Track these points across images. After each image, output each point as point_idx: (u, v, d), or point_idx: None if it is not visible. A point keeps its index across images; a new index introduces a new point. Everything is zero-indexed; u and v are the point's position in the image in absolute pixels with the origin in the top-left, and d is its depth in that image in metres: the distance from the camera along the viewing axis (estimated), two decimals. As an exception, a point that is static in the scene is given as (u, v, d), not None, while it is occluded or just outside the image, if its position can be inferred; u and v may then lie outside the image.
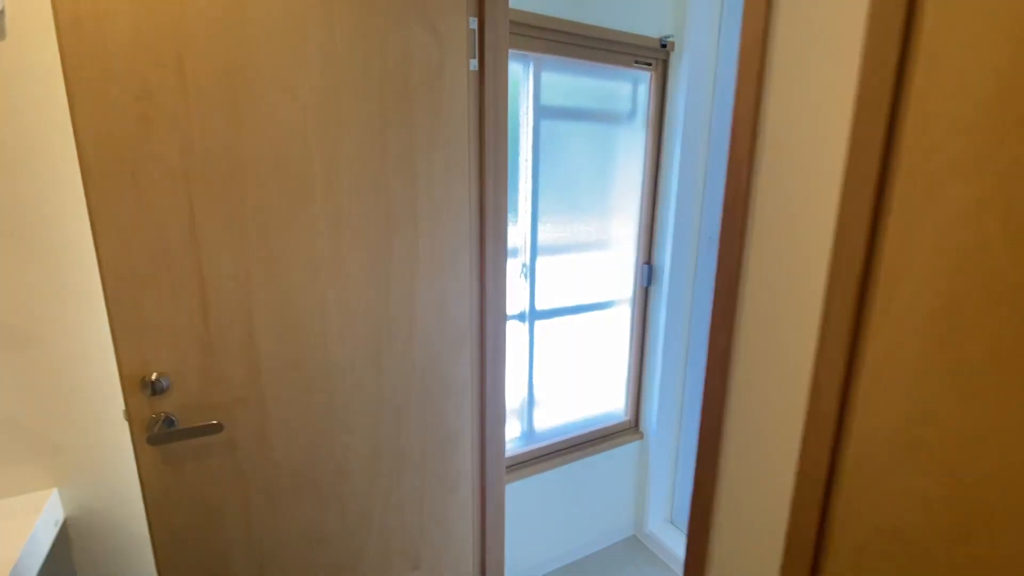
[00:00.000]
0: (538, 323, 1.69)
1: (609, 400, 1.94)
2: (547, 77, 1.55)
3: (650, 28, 1.60)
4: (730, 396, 0.58)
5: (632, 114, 1.70)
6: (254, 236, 0.91)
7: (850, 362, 0.46)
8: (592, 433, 1.88)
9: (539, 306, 1.68)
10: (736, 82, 0.53)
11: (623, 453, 1.96)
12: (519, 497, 1.74)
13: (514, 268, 1.63)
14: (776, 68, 0.49)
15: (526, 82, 1.51)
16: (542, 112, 1.56)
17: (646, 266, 1.84)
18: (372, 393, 1.10)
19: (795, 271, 0.50)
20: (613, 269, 1.80)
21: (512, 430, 1.76)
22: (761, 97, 0.50)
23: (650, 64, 1.67)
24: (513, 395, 1.73)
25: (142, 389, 0.88)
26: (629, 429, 1.99)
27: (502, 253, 1.22)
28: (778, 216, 0.51)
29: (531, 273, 1.64)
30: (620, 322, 1.89)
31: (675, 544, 1.98)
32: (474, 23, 1.07)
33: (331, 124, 0.94)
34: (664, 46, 1.64)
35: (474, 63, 1.08)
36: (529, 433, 1.78)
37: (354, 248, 1.01)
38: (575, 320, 1.76)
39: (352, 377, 1.07)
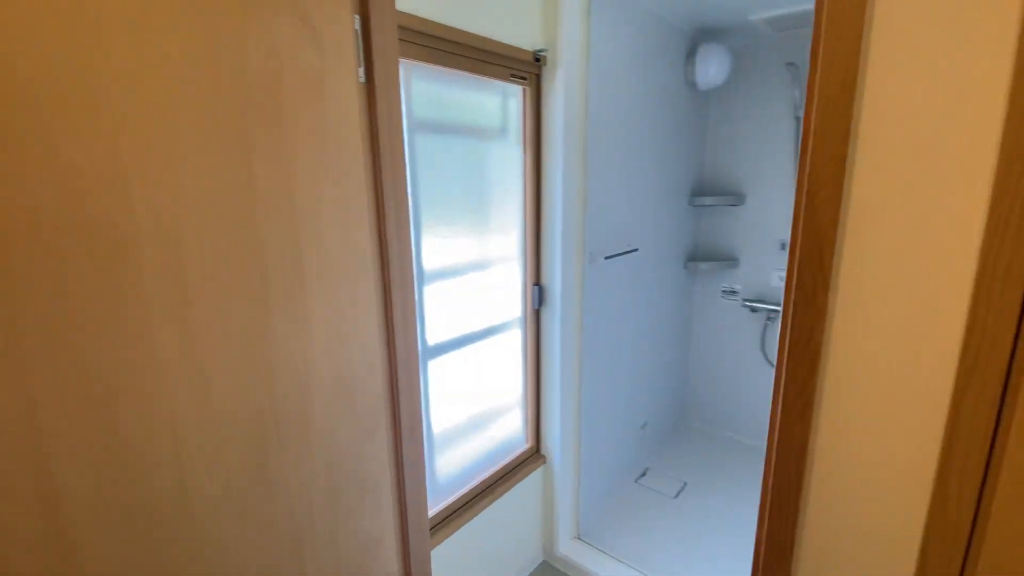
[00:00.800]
0: (431, 362, 1.49)
1: (510, 429, 1.83)
2: (420, 87, 1.35)
3: (523, 41, 1.52)
4: (806, 504, 0.50)
5: (505, 130, 1.60)
6: (33, 343, 0.55)
7: (987, 467, 0.41)
8: (497, 473, 1.75)
9: (430, 340, 1.47)
10: (817, 75, 0.44)
11: (528, 483, 1.87)
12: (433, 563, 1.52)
13: (403, 308, 1.39)
14: (879, 53, 0.41)
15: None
16: (416, 126, 1.36)
17: (536, 287, 1.77)
18: (260, 524, 0.79)
19: (907, 346, 0.44)
20: (503, 293, 1.68)
21: (416, 492, 1.52)
22: (856, 91, 0.41)
23: (524, 78, 1.58)
24: (414, 453, 1.49)
25: None
26: (532, 456, 1.90)
27: (411, 305, 1.00)
28: (878, 268, 0.44)
29: (419, 306, 1.43)
30: (513, 347, 1.79)
31: (585, 560, 1.97)
32: (358, 23, 0.83)
33: (163, 156, 0.62)
34: (538, 60, 1.57)
35: (362, 72, 0.84)
36: (432, 487, 1.57)
37: (214, 333, 0.70)
38: (469, 351, 1.60)
39: (228, 510, 0.75)
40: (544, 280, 1.77)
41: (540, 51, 1.56)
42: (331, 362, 0.85)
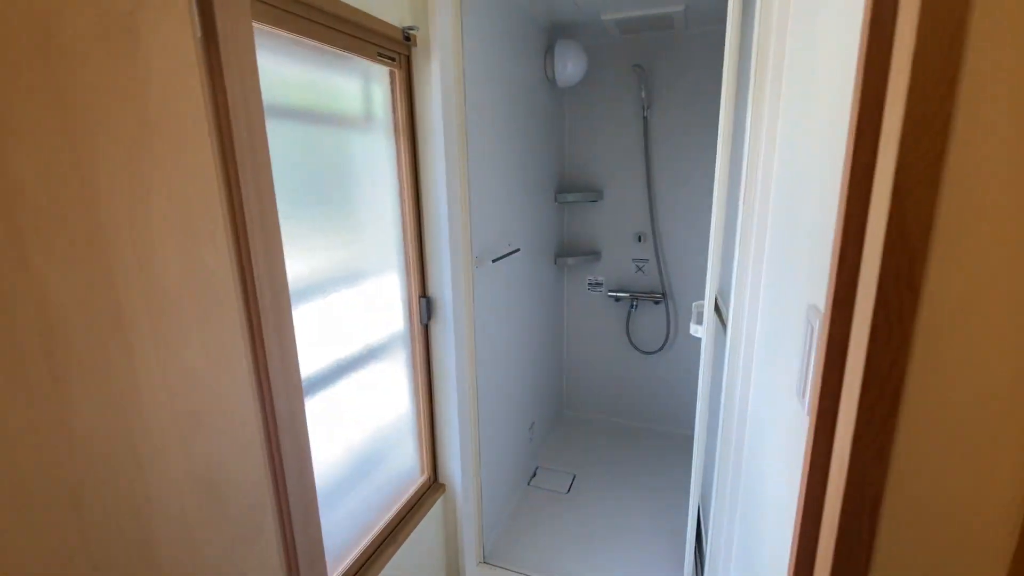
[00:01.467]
0: (308, 400, 1.19)
1: (402, 463, 1.59)
2: (267, 62, 1.05)
3: (390, 14, 1.29)
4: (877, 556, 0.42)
5: (370, 117, 1.36)
6: None
7: None
8: (394, 520, 1.51)
9: (304, 374, 1.18)
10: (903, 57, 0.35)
11: (430, 519, 1.66)
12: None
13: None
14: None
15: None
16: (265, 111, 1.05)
17: (423, 299, 1.56)
18: None
19: (1003, 380, 0.38)
20: (381, 309, 1.44)
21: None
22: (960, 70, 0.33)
23: (393, 59, 1.36)
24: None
25: None
26: (430, 488, 1.70)
27: (291, 345, 0.74)
28: (978, 285, 0.37)
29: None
30: (398, 371, 1.56)
31: (495, 584, 1.84)
32: (184, -60, 0.55)
33: None
34: (407, 39, 1.35)
35: (197, 24, 0.56)
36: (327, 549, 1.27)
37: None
38: (344, 384, 1.33)
39: None
40: (432, 291, 1.57)
41: (410, 28, 1.35)
42: (183, 454, 0.56)
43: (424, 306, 1.57)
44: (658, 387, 2.89)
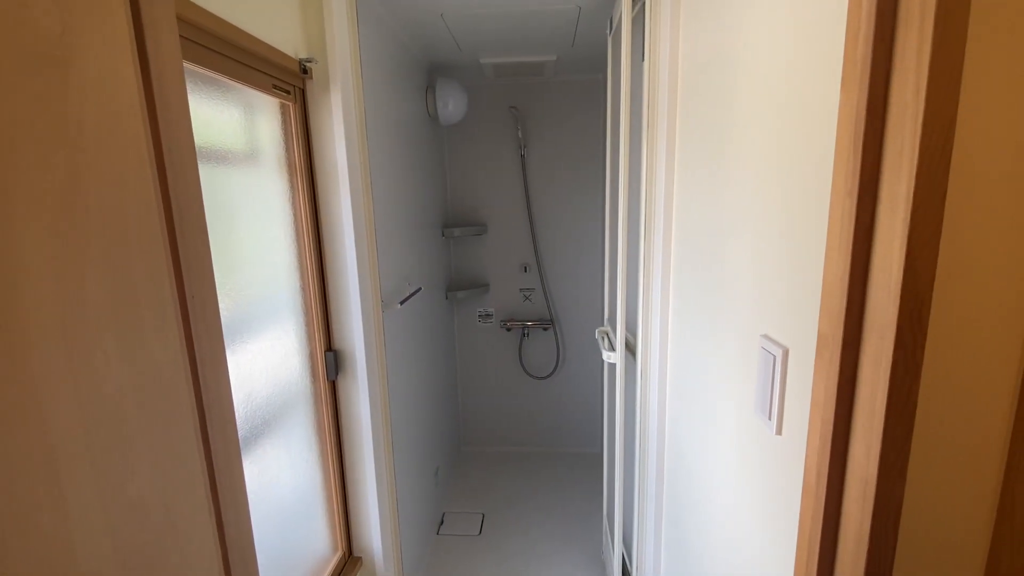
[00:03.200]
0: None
1: (312, 543, 1.39)
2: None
3: (286, 44, 1.17)
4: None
5: (261, 154, 1.21)
6: None
7: None
8: (314, 608, 1.30)
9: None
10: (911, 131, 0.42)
11: (349, 600, 1.47)
12: None
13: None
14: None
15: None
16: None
17: (330, 353, 1.40)
18: None
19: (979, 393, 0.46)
20: (275, 368, 1.25)
21: None
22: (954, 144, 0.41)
23: (288, 92, 1.23)
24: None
25: None
26: (346, 566, 1.50)
27: (234, 446, 0.60)
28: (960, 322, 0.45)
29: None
30: (300, 437, 1.37)
31: (423, 656, 1.68)
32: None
33: None
34: (305, 71, 1.24)
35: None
36: None
37: None
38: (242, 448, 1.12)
39: None
40: (339, 343, 1.42)
41: (307, 60, 1.24)
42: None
43: (331, 361, 1.41)
44: (554, 410, 2.99)
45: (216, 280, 0.62)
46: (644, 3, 1.29)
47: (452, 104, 2.36)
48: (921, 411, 0.47)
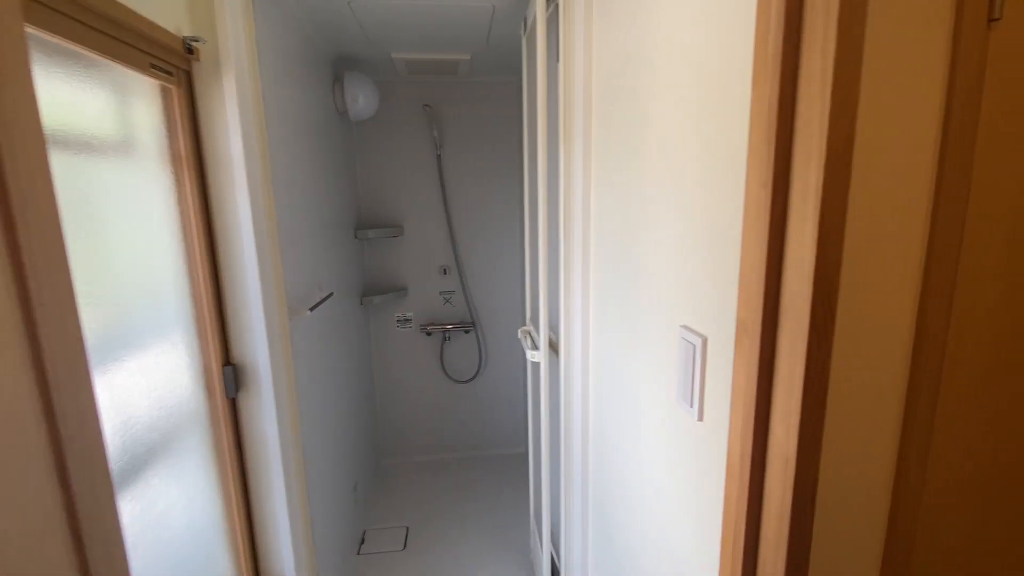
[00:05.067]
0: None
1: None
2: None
3: (167, 19, 1.03)
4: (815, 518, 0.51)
5: (136, 143, 1.06)
6: None
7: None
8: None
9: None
10: (818, 135, 0.44)
11: (259, 640, 1.32)
12: None
13: None
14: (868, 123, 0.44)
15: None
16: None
17: (228, 368, 1.26)
18: None
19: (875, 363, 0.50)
20: (163, 388, 1.10)
21: None
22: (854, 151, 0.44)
23: (171, 74, 1.08)
24: None
25: None
26: (255, 601, 1.36)
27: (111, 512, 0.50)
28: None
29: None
30: (196, 464, 1.21)
31: None
32: None
33: None
34: (190, 51, 1.10)
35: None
36: None
37: None
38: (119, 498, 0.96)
39: None
40: (239, 356, 1.28)
41: (193, 39, 1.10)
42: None
43: (229, 376, 1.26)
44: (478, 413, 2.95)
45: (78, 288, 0.51)
46: (558, 3, 1.31)
47: (362, 99, 2.25)
48: (831, 389, 0.50)
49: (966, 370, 0.53)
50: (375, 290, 2.71)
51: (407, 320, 2.80)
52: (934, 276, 0.51)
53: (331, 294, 1.83)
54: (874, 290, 0.49)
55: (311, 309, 1.56)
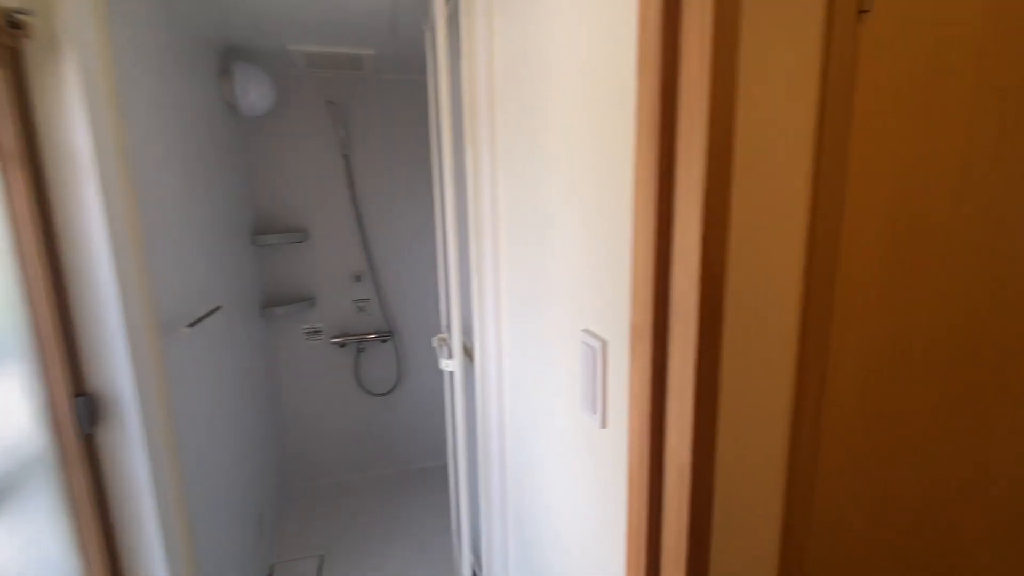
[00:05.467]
0: None
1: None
2: None
3: (-24, -20, 0.85)
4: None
5: None
6: None
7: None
8: None
9: None
10: (700, 139, 0.42)
11: None
12: None
13: None
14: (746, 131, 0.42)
15: None
16: None
17: (81, 399, 1.07)
18: None
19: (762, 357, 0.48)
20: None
21: None
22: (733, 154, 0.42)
23: (-14, 48, 0.90)
24: None
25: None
26: (126, 669, 1.16)
27: None
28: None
29: None
30: (40, 519, 1.02)
31: None
32: None
33: None
34: (17, 25, 0.92)
35: None
36: None
37: None
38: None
39: None
40: (96, 384, 1.09)
41: (19, 11, 0.92)
42: None
43: (83, 408, 1.08)
44: (399, 426, 2.82)
45: None
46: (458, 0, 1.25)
47: (254, 93, 2.06)
48: (723, 394, 0.48)
49: (848, 371, 0.54)
50: (279, 300, 2.50)
51: (317, 332, 2.62)
52: (816, 272, 0.51)
53: (219, 307, 1.64)
54: (760, 290, 0.48)
55: (190, 325, 1.38)
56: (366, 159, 2.54)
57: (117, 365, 1.09)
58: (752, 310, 0.48)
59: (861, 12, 0.44)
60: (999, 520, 0.67)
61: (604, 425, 0.70)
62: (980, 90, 0.52)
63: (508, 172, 1.17)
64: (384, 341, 2.71)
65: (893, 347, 0.54)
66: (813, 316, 0.49)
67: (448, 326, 1.64)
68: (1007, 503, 0.67)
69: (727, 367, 0.48)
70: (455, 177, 1.39)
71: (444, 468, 2.86)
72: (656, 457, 0.53)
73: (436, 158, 1.80)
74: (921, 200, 0.53)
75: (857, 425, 0.54)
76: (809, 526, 0.54)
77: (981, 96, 0.53)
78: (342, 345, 2.65)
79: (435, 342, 1.73)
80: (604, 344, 0.68)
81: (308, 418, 2.67)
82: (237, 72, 2.03)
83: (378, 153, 2.55)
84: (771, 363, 0.50)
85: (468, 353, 1.56)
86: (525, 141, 1.01)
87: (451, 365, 1.45)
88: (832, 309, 0.52)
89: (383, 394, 2.76)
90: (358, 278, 2.63)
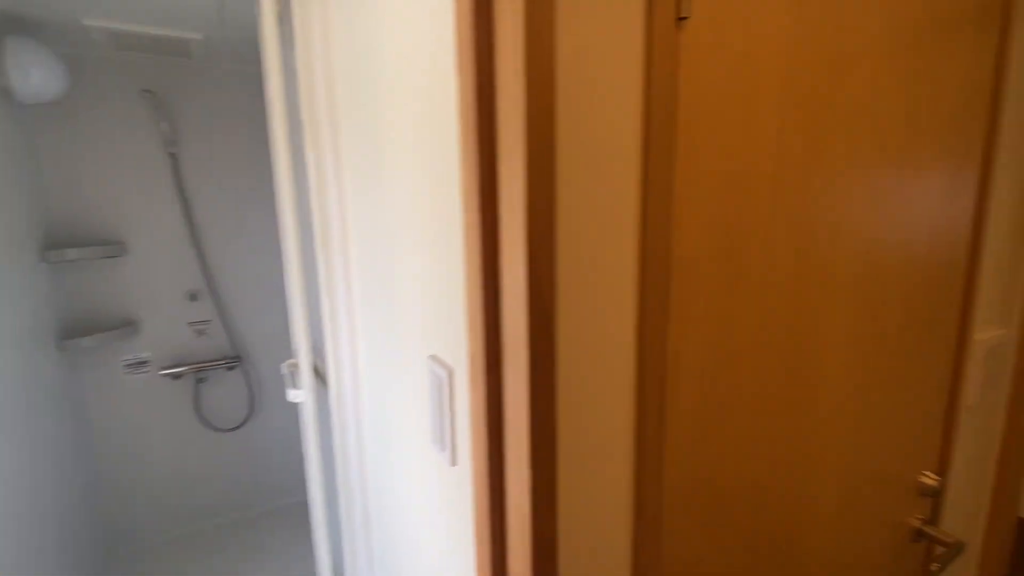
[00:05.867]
0: None
1: None
2: None
3: None
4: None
5: None
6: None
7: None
8: None
9: None
10: (520, 157, 0.37)
11: None
12: None
13: None
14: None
15: None
16: None
17: None
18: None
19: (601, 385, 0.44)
20: None
21: None
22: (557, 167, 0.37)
23: None
24: None
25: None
26: None
27: None
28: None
29: None
30: None
31: None
32: None
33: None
34: None
35: None
36: None
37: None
38: None
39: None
40: None
41: None
42: None
43: None
44: (252, 463, 2.48)
45: None
46: (289, -19, 1.11)
47: (37, 75, 1.66)
48: (561, 434, 0.43)
49: (687, 386, 0.53)
50: (85, 329, 2.05)
51: (142, 363, 2.20)
52: (649, 294, 0.49)
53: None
54: (595, 311, 0.45)
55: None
56: (200, 159, 2.20)
57: None
58: (587, 333, 0.45)
59: (680, 19, 0.43)
60: (825, 504, 0.74)
61: (454, 463, 0.63)
62: (786, 101, 0.55)
63: (356, 180, 1.05)
64: (231, 368, 2.37)
65: (727, 356, 0.54)
66: (650, 338, 0.47)
67: (297, 351, 1.46)
68: (830, 488, 0.73)
69: (564, 401, 0.44)
70: (295, 186, 1.23)
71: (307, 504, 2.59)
72: (497, 505, 0.47)
73: (273, 161, 1.61)
74: (741, 209, 0.54)
75: (696, 437, 0.53)
76: (660, 559, 0.53)
77: (787, 107, 0.55)
78: (176, 377, 2.26)
79: (285, 368, 1.53)
80: (451, 373, 0.61)
81: (136, 467, 2.23)
82: (12, 47, 1.62)
83: (215, 153, 2.22)
84: (612, 390, 0.47)
85: (321, 375, 1.40)
86: (369, 147, 0.91)
87: (300, 396, 1.28)
88: (667, 326, 0.51)
89: (232, 429, 2.41)
90: (194, 297, 2.26)
